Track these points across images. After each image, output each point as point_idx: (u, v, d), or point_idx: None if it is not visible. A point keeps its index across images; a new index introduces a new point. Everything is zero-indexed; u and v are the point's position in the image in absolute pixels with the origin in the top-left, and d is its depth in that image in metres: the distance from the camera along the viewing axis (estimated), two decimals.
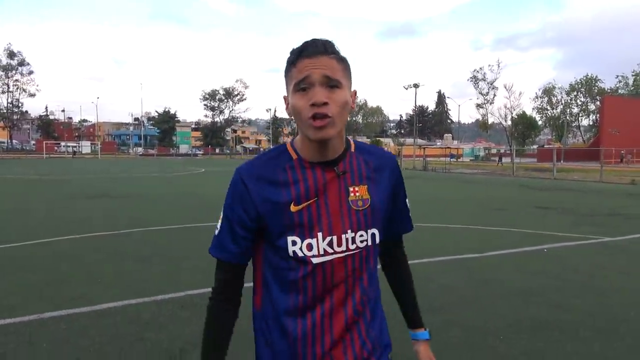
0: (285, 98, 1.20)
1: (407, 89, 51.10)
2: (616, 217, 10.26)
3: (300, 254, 1.15)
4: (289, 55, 1.15)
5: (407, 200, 1.34)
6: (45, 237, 7.03)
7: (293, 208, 1.14)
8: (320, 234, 1.15)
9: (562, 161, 44.76)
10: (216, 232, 1.22)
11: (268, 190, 1.15)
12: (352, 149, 1.23)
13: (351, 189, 1.19)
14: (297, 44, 1.15)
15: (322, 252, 1.15)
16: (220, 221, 1.21)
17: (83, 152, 71.76)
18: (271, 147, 1.37)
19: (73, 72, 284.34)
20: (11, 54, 72.95)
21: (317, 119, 1.08)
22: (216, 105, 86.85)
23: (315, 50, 1.10)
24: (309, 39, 1.15)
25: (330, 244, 1.16)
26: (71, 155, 61.68)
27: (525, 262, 5.91)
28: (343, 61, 1.14)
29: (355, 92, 1.20)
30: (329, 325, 1.17)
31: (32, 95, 76.19)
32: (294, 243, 1.15)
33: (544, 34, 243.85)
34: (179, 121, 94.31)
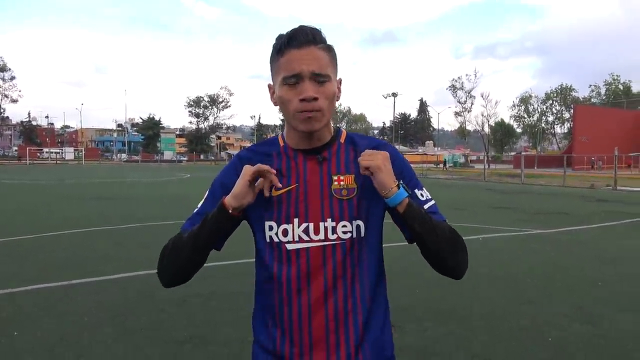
0: (270, 86, 1.19)
1: (386, 97, 52.74)
2: (557, 214, 11.65)
3: (275, 239, 1.14)
4: (275, 41, 1.13)
5: (421, 191, 1.19)
6: (59, 230, 8.10)
7: (273, 192, 1.14)
8: (296, 220, 1.13)
9: (535, 167, 46.83)
10: (196, 210, 1.21)
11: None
12: (342, 140, 1.21)
13: (335, 177, 1.16)
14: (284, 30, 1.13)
15: (297, 238, 1.13)
16: (204, 198, 1.21)
17: (66, 158, 71.87)
18: None
19: (55, 78, 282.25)
20: None
21: (306, 112, 1.08)
22: (201, 112, 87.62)
23: (304, 40, 1.08)
24: (296, 26, 1.12)
25: (306, 231, 1.13)
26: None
27: None
28: (330, 50, 1.13)
29: (340, 80, 1.18)
30: (307, 323, 1.12)
31: (14, 101, 76.11)
32: (270, 228, 1.14)
33: (522, 43, 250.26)
34: (163, 127, 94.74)
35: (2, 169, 38.67)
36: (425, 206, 1.17)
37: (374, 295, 1.17)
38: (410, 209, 1.09)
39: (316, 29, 1.12)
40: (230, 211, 1.09)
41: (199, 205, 1.20)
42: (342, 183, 1.15)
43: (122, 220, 9.35)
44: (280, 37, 1.11)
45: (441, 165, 51.62)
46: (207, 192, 1.22)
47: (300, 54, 1.07)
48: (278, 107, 1.14)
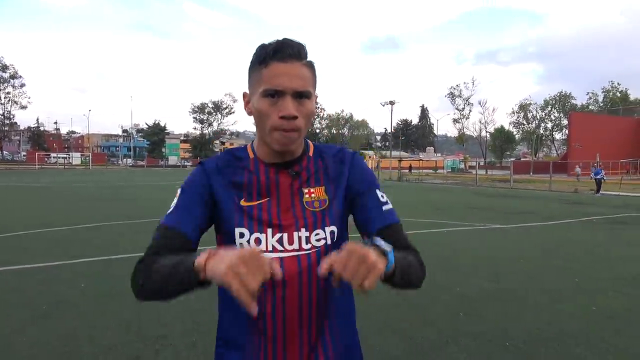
0: (245, 95, 1.15)
1: (384, 105, 53.85)
2: (524, 214, 13.09)
3: (247, 247, 1.06)
4: (257, 50, 1.09)
5: (381, 193, 1.21)
6: (91, 223, 9.59)
7: (243, 203, 1.14)
8: (270, 230, 1.12)
9: (531, 173, 48.25)
10: (169, 210, 1.15)
11: (223, 182, 1.16)
12: (311, 153, 1.21)
13: (305, 190, 1.16)
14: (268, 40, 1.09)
15: (270, 248, 1.12)
16: (175, 199, 1.16)
17: (73, 163, 73.74)
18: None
19: (62, 84, 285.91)
20: (3, 67, 75.10)
21: (284, 131, 1.06)
22: (205, 118, 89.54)
23: (290, 54, 1.06)
24: (280, 38, 1.08)
25: (280, 241, 1.12)
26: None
27: (424, 236, 8.66)
28: (312, 67, 1.11)
29: (316, 97, 1.15)
30: (281, 334, 1.13)
31: (23, 107, 78.30)
32: (241, 235, 1.12)
33: (525, 49, 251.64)
34: (168, 133, 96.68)
35: (14, 173, 40.27)
36: (384, 207, 1.18)
37: (347, 300, 1.23)
38: (397, 269, 1.00)
39: (301, 43, 1.09)
40: (202, 276, 0.92)
41: (171, 206, 1.15)
42: (312, 195, 1.17)
43: (140, 216, 10.84)
44: (263, 47, 1.08)
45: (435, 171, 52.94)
46: (177, 195, 1.17)
47: (285, 68, 1.05)
48: (252, 117, 1.12)
